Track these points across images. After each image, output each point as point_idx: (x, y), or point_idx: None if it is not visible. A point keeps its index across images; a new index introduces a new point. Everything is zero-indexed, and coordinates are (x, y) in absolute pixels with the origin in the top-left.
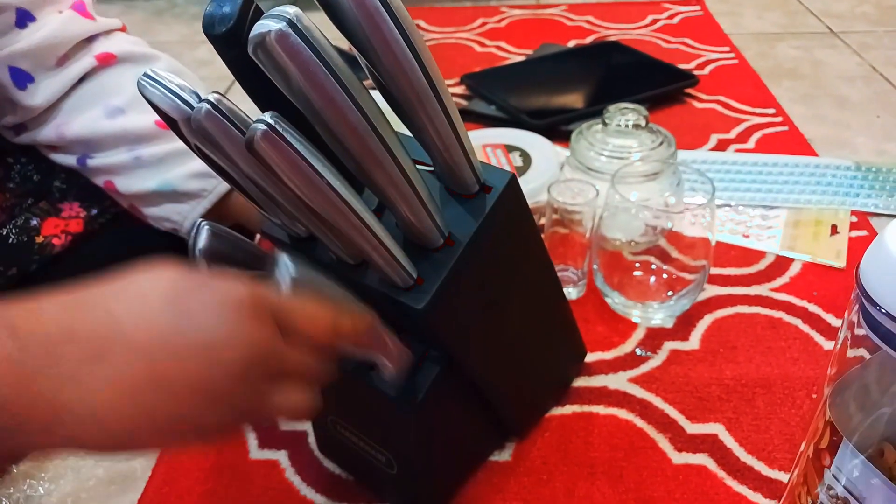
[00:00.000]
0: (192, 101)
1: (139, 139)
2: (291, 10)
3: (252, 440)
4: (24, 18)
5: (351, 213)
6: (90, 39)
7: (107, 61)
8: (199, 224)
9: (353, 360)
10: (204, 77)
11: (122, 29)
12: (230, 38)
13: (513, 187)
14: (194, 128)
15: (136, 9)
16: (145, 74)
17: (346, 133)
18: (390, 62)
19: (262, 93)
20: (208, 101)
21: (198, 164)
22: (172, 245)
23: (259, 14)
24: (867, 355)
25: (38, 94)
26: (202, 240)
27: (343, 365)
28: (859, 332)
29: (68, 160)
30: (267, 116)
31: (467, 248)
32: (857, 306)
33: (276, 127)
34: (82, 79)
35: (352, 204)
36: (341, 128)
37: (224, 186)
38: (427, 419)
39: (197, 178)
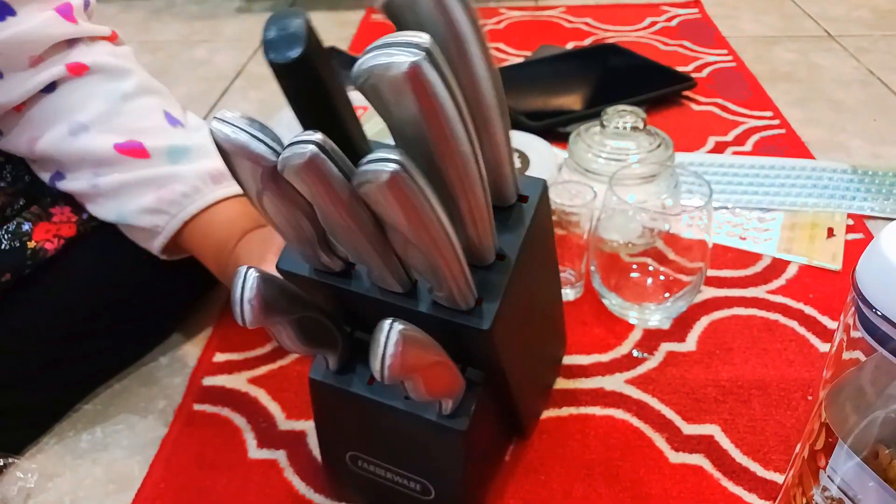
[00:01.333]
0: (277, 146)
1: (98, 163)
2: (426, 39)
3: (251, 439)
4: (3, 11)
5: (451, 248)
6: (71, 44)
7: (77, 72)
8: (246, 272)
9: (399, 395)
10: (201, 77)
11: (112, 37)
12: (297, 68)
13: (545, 196)
14: (287, 173)
15: (134, 7)
16: (219, 119)
17: (453, 164)
18: (470, 84)
19: (315, 114)
20: (315, 143)
21: (149, 199)
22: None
23: (317, 38)
24: (863, 357)
25: (5, 92)
26: (249, 290)
27: (373, 398)
28: (855, 334)
29: (45, 177)
30: (395, 154)
31: (517, 261)
32: (853, 309)
33: (407, 166)
34: (52, 87)
35: (453, 238)
36: (450, 159)
37: (177, 222)
38: (471, 438)
39: (149, 214)
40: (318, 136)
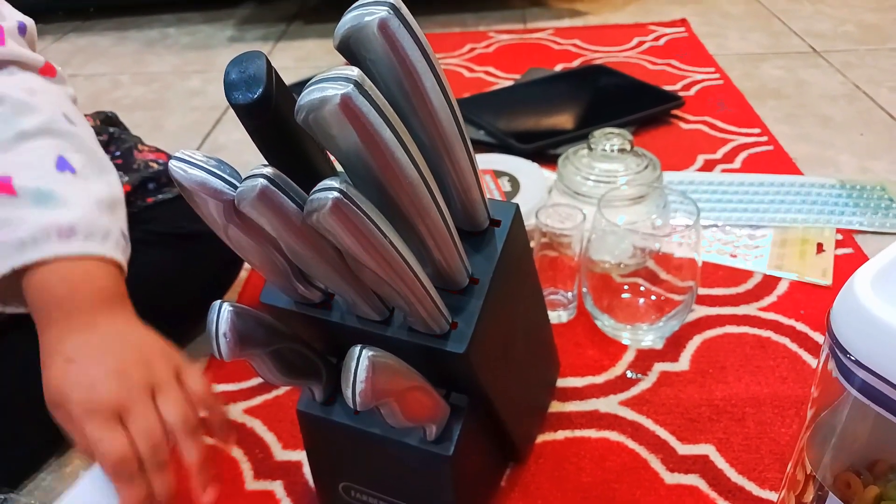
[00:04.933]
0: (235, 179)
1: None
2: (355, 72)
3: (248, 470)
4: None
5: (409, 271)
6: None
7: None
8: (220, 306)
9: (386, 423)
10: (195, 107)
11: (47, 68)
12: (258, 108)
13: (518, 219)
14: (243, 207)
15: (128, 40)
16: (177, 158)
17: (402, 189)
18: (426, 114)
19: (280, 152)
20: (264, 177)
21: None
22: None
23: (277, 78)
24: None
25: None
26: (224, 322)
27: (359, 427)
28: (831, 369)
29: None
30: (336, 183)
31: (491, 284)
32: (828, 352)
33: (348, 193)
34: None
35: (410, 261)
36: (397, 185)
37: (5, 268)
38: (458, 463)
39: None
40: (268, 169)
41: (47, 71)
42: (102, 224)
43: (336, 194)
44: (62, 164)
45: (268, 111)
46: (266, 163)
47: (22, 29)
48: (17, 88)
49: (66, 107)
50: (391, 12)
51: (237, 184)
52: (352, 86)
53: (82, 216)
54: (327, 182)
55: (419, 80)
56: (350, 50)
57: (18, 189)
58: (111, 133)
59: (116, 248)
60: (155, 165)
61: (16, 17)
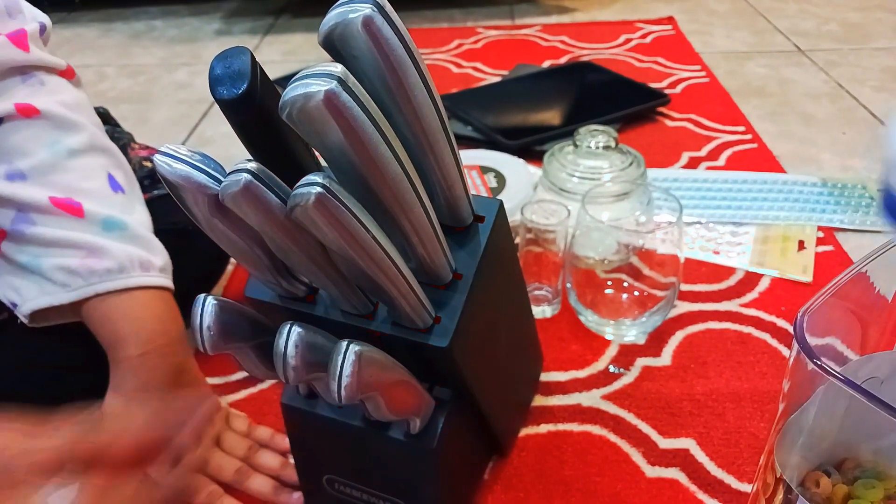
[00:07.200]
0: (219, 174)
1: (28, 208)
2: (339, 68)
3: None
4: None
5: (392, 266)
6: (23, 72)
7: (26, 114)
8: (204, 299)
9: (370, 416)
10: (182, 100)
11: (68, 71)
12: (242, 103)
13: (502, 215)
14: (227, 201)
15: (114, 32)
16: (162, 153)
17: (385, 185)
18: (410, 111)
19: (265, 147)
20: (248, 171)
21: (73, 262)
22: (66, 353)
23: (262, 74)
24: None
25: None
26: (208, 316)
27: (343, 420)
28: (802, 365)
29: None
30: (319, 178)
31: (474, 279)
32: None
33: (331, 188)
34: None
35: (393, 256)
36: (381, 180)
37: (91, 291)
38: (442, 456)
39: (66, 273)
40: (252, 164)
41: (67, 74)
42: (167, 258)
43: (319, 189)
44: (114, 184)
45: (252, 107)
46: (250, 157)
47: (42, 29)
48: (54, 103)
49: (95, 117)
50: (375, 10)
51: (221, 178)
52: (335, 82)
53: (161, 252)
54: (311, 177)
55: (403, 77)
56: (334, 46)
57: (87, 213)
58: (106, 132)
59: (170, 277)
60: (148, 164)
61: (37, 16)
